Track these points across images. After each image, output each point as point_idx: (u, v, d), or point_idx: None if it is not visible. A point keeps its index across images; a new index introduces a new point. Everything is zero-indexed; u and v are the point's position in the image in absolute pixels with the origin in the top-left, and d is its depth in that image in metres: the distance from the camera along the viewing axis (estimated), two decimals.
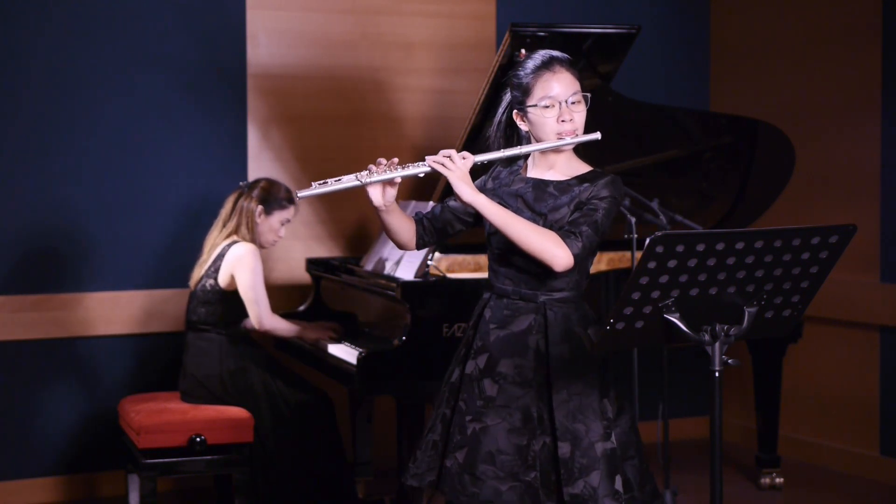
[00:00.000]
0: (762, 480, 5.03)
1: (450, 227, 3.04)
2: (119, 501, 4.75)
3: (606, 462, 2.81)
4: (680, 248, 2.43)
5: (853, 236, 2.53)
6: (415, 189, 5.35)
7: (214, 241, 4.38)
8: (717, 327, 2.57)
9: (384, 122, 5.38)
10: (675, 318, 2.53)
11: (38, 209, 4.83)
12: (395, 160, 2.84)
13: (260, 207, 4.36)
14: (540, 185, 2.91)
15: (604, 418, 2.85)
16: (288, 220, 4.46)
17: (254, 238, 4.35)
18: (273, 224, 4.40)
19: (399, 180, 2.84)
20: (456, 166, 2.79)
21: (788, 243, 2.49)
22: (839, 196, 5.32)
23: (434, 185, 4.73)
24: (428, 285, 4.02)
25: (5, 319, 4.77)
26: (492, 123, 4.32)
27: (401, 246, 3.02)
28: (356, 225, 5.34)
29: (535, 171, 2.96)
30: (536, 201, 2.89)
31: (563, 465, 2.80)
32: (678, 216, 4.58)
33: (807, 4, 5.49)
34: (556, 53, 2.94)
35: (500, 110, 3.00)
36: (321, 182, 2.80)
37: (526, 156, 2.98)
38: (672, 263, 2.45)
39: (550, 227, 2.83)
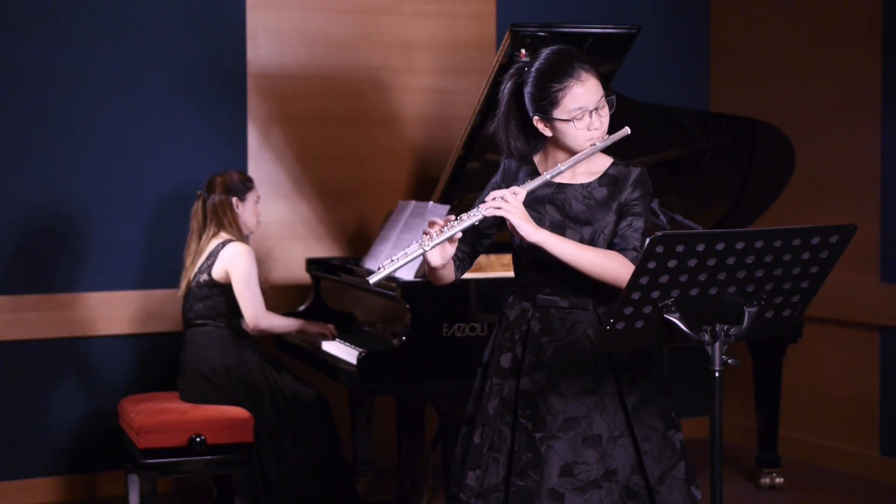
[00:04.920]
0: (762, 480, 5.03)
1: (479, 247, 2.99)
2: (119, 501, 4.75)
3: (684, 452, 2.86)
4: (680, 248, 2.43)
5: (853, 236, 2.53)
6: (415, 190, 5.35)
7: (199, 248, 4.38)
8: (717, 327, 2.56)
9: (384, 122, 5.38)
10: (675, 318, 2.53)
11: (39, 209, 4.83)
12: (452, 218, 2.76)
13: (235, 198, 4.40)
14: (570, 191, 2.84)
15: (671, 410, 2.88)
16: (259, 198, 4.52)
17: (240, 231, 4.39)
18: (250, 207, 4.47)
19: (459, 235, 2.77)
20: (512, 206, 2.72)
21: (788, 243, 2.49)
22: (839, 196, 5.32)
23: (433, 186, 4.73)
24: (428, 285, 4.00)
25: (5, 319, 4.77)
26: (488, 122, 4.34)
27: (445, 283, 2.94)
28: (356, 225, 5.34)
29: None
30: (576, 212, 2.82)
31: (649, 464, 2.80)
32: (678, 216, 4.58)
33: (807, 4, 5.49)
34: (575, 54, 2.81)
35: (503, 108, 2.89)
36: (390, 261, 2.73)
37: (529, 156, 2.95)
38: (672, 263, 2.45)
39: (598, 236, 2.80)
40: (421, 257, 2.76)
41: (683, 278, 2.48)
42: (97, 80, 4.90)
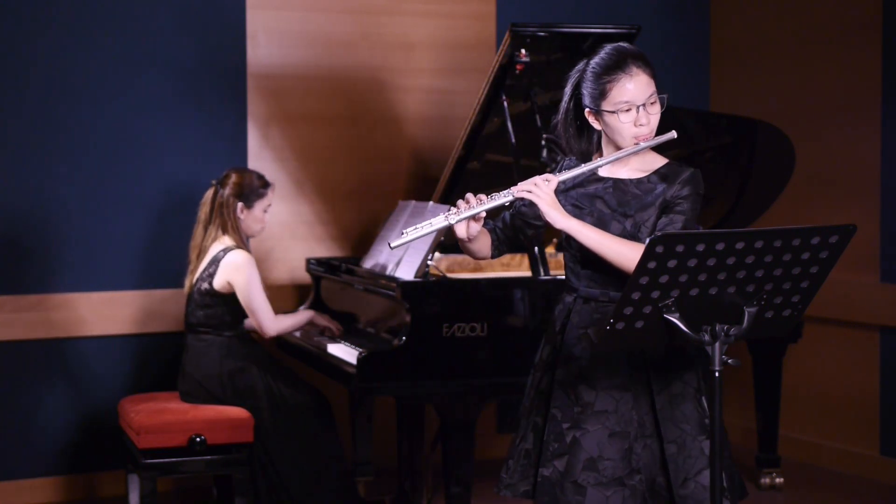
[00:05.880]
0: (762, 480, 5.03)
1: (521, 234, 3.01)
2: (119, 501, 4.75)
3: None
4: (680, 248, 2.43)
5: (853, 236, 2.53)
6: (415, 190, 5.35)
7: (202, 245, 4.37)
8: (717, 327, 2.56)
9: (384, 122, 5.38)
10: (675, 318, 2.53)
11: (39, 209, 4.83)
12: (483, 196, 2.80)
13: (240, 204, 4.37)
14: (619, 185, 2.85)
15: (704, 416, 2.83)
16: (269, 205, 4.46)
17: (242, 236, 4.36)
18: (257, 214, 4.42)
19: (484, 214, 2.81)
20: (543, 192, 2.74)
21: (788, 243, 2.49)
22: (839, 196, 5.32)
23: (434, 186, 4.73)
24: (428, 285, 4.02)
25: (5, 319, 4.76)
26: (488, 122, 4.35)
27: (479, 259, 3.02)
28: (356, 225, 5.34)
29: (609, 169, 2.88)
30: (620, 204, 2.82)
31: (673, 467, 2.77)
32: None
33: (807, 4, 5.49)
34: (629, 50, 2.82)
35: (565, 103, 2.90)
36: (413, 228, 2.78)
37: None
38: (672, 263, 2.45)
39: (639, 229, 2.79)
40: (434, 233, 2.82)
41: (683, 278, 2.48)
42: (97, 79, 4.90)
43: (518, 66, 4.14)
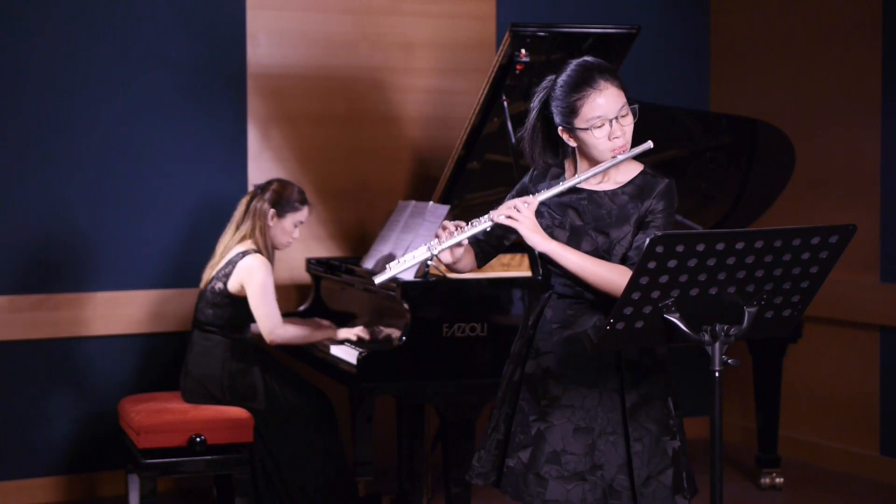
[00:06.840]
0: (762, 480, 5.03)
1: (505, 240, 3.05)
2: (119, 501, 4.75)
3: (676, 460, 2.84)
4: (680, 248, 2.43)
5: (853, 236, 2.53)
6: (415, 190, 5.35)
7: (227, 244, 4.37)
8: (717, 327, 2.57)
9: (384, 122, 5.38)
10: (675, 318, 2.53)
11: (39, 209, 4.83)
12: (462, 224, 2.84)
13: (272, 211, 4.35)
14: (593, 197, 2.86)
15: (670, 417, 2.87)
16: (301, 222, 4.44)
17: (266, 242, 4.35)
18: (286, 226, 4.39)
19: (466, 242, 2.85)
20: (523, 216, 2.78)
21: (788, 243, 2.49)
22: (839, 196, 5.32)
23: (434, 186, 4.73)
24: (428, 285, 4.02)
25: (6, 319, 4.77)
26: (488, 122, 4.35)
27: (466, 272, 3.07)
28: (356, 225, 5.34)
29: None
30: (595, 219, 2.83)
31: (637, 466, 2.80)
32: (678, 216, 4.58)
33: (807, 4, 5.49)
34: (595, 64, 2.83)
35: (532, 118, 2.91)
36: (396, 262, 2.82)
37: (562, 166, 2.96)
38: (672, 263, 2.45)
39: (613, 247, 2.81)
40: (425, 259, 2.86)
41: (683, 278, 2.48)
42: (97, 79, 4.90)
43: (518, 66, 4.14)
